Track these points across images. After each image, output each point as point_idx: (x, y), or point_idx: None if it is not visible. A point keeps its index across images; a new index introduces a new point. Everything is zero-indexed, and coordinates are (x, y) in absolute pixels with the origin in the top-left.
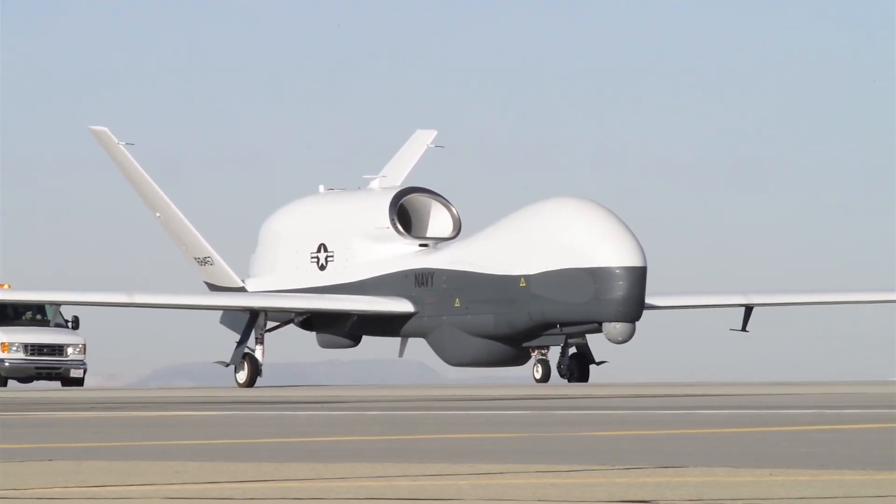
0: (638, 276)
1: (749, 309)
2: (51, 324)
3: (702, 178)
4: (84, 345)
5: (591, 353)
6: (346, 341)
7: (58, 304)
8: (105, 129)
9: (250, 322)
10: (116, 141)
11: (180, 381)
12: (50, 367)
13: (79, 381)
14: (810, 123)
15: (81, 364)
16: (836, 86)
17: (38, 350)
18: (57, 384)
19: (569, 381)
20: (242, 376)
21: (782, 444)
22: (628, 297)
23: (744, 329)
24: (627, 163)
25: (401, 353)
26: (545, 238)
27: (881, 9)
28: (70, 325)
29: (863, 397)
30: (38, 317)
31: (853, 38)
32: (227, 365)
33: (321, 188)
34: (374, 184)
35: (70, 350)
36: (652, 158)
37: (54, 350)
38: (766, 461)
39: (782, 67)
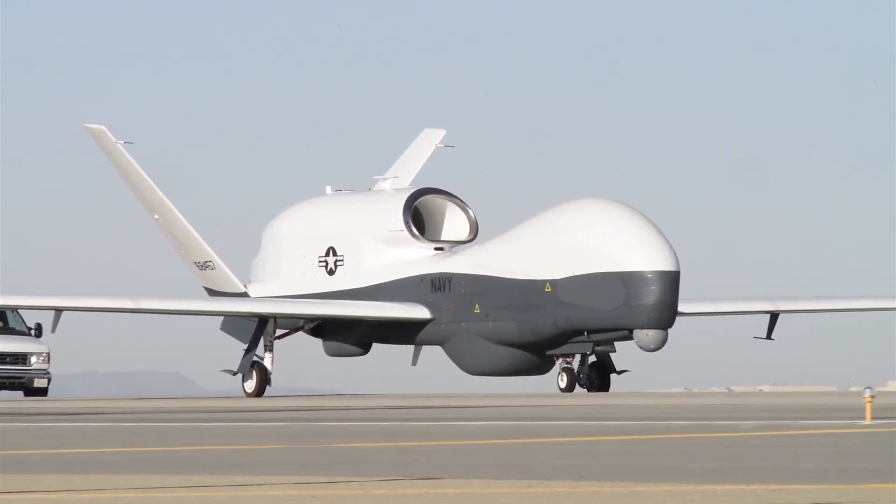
0: (671, 281)
1: (775, 316)
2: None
3: (714, 176)
4: (48, 353)
5: (611, 362)
6: (355, 349)
7: (59, 310)
8: (102, 127)
9: (259, 329)
10: (114, 139)
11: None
12: (12, 377)
13: (43, 391)
14: (843, 129)
15: (45, 373)
16: (867, 91)
17: (0, 359)
18: (19, 394)
19: (588, 390)
20: (251, 385)
21: (541, 455)
22: (661, 303)
23: (769, 337)
24: (646, 165)
25: (414, 362)
26: (572, 241)
27: (881, 9)
28: (33, 332)
29: (641, 409)
30: (0, 324)
31: None
32: (235, 373)
33: (328, 189)
34: (385, 185)
35: (34, 359)
36: (673, 160)
37: (17, 359)
38: (524, 473)
39: (815, 73)
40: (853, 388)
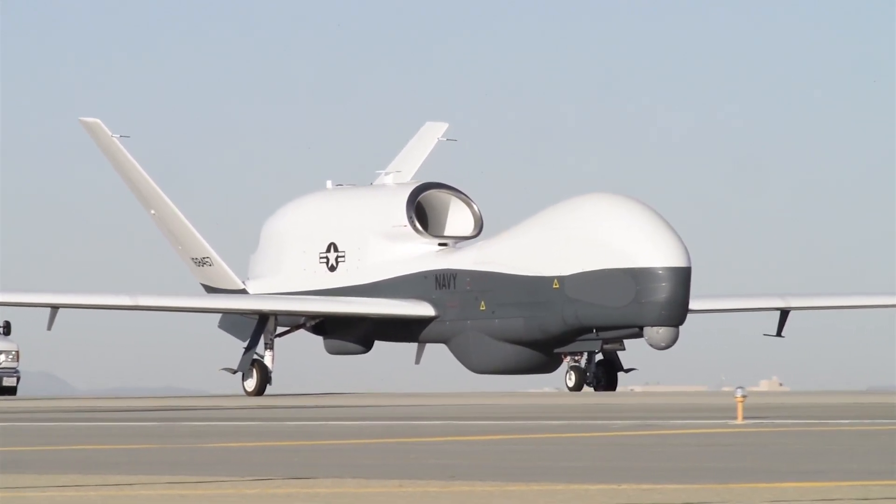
0: (682, 278)
1: (785, 313)
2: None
3: (714, 172)
4: (17, 352)
5: (619, 360)
6: (357, 347)
7: (55, 307)
8: (97, 120)
9: (259, 326)
10: (109, 133)
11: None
12: None
13: (11, 390)
14: (857, 120)
15: (14, 372)
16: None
17: None
18: None
19: (595, 389)
20: (251, 384)
21: (413, 455)
22: (672, 300)
23: (779, 334)
24: (654, 160)
25: (417, 360)
26: (581, 237)
27: (881, 9)
28: (2, 330)
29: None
30: None
31: None
32: (235, 372)
33: (329, 183)
34: (388, 179)
35: (2, 357)
36: (680, 155)
37: None
38: (397, 472)
39: (820, 72)
40: (725, 388)
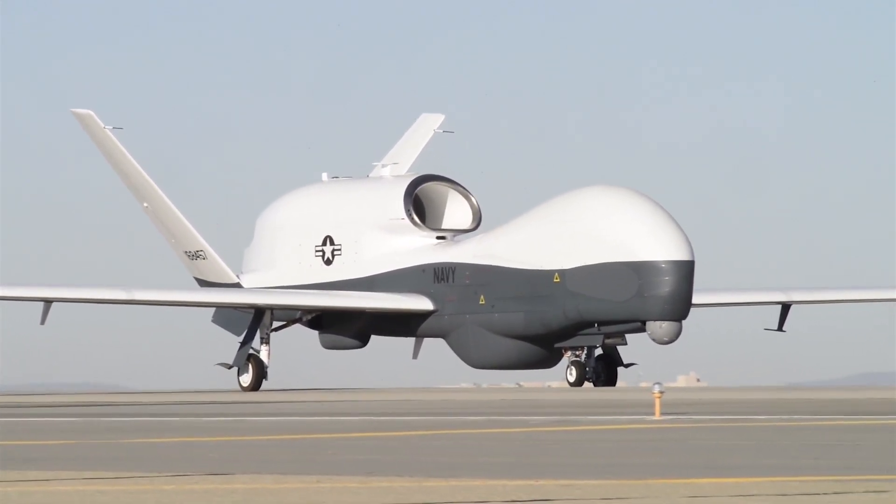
0: (685, 271)
1: (786, 307)
2: None
3: (714, 169)
4: None
5: (619, 355)
6: (353, 342)
7: (48, 301)
8: (90, 112)
9: (255, 321)
10: (102, 125)
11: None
12: None
13: None
14: (860, 117)
15: None
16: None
17: None
18: None
19: (595, 384)
20: (246, 379)
21: (331, 451)
22: (675, 294)
23: (780, 329)
24: (654, 154)
25: (415, 355)
26: (583, 230)
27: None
28: None
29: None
30: None
31: None
32: (230, 367)
33: (325, 176)
34: (384, 171)
35: None
36: (680, 148)
37: None
38: (315, 468)
39: (819, 70)
40: (643, 384)
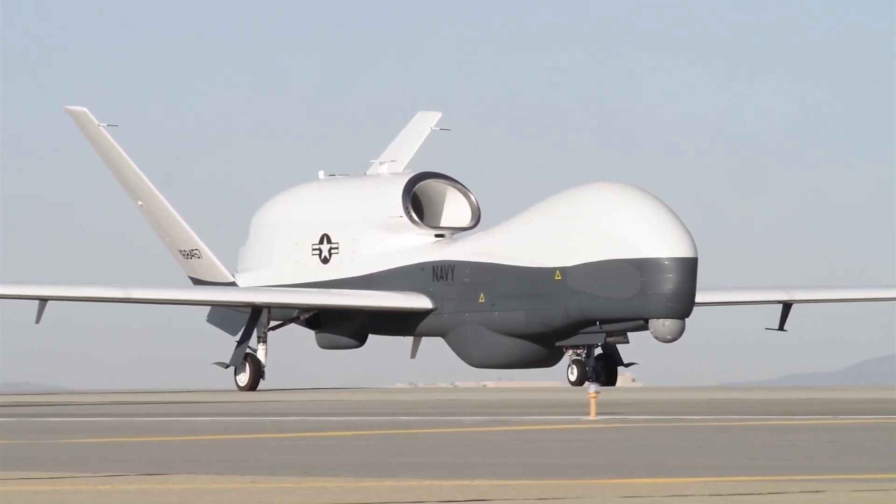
0: (689, 269)
1: (788, 306)
2: None
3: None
4: None
5: (619, 354)
6: (350, 341)
7: (43, 300)
8: (84, 109)
9: (252, 320)
10: (96, 122)
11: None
12: None
13: None
14: (862, 116)
15: None
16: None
17: None
18: None
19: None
20: (244, 379)
21: (267, 451)
22: (678, 292)
23: (781, 328)
24: (653, 152)
25: (413, 354)
26: (584, 227)
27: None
28: None
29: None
30: None
31: None
32: (227, 366)
33: (321, 174)
34: (382, 169)
35: None
36: (681, 147)
37: None
38: (250, 468)
39: (820, 68)
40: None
